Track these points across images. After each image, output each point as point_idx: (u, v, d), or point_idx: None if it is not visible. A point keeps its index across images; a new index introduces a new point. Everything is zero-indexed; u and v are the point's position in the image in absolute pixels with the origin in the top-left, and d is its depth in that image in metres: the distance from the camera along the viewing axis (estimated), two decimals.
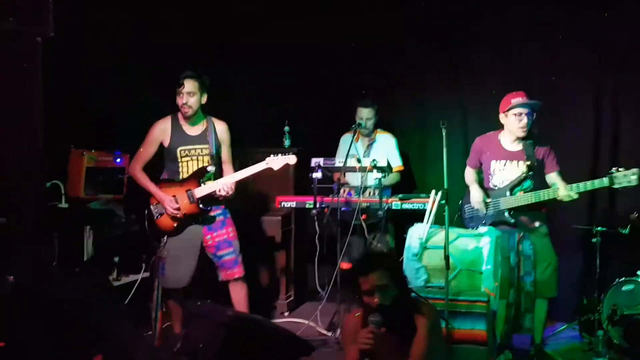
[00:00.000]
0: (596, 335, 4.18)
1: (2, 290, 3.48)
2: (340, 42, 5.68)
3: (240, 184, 4.41)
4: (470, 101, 5.50)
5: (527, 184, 4.20)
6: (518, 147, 4.23)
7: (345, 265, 4.85)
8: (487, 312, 3.64)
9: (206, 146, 4.33)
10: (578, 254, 5.01)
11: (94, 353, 3.58)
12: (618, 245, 4.63)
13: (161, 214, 4.30)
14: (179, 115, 4.36)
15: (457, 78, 5.52)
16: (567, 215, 4.84)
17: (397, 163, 5.21)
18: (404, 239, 4.26)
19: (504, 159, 4.26)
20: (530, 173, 4.15)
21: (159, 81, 5.47)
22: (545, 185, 4.20)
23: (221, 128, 4.42)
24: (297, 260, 5.57)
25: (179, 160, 4.33)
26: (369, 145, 5.21)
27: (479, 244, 3.88)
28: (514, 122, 4.15)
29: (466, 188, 4.47)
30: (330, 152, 5.31)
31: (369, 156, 5.06)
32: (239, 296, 4.37)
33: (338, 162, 4.72)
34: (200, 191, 4.25)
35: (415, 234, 4.08)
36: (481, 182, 4.40)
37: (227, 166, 4.45)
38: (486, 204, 4.27)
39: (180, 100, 4.27)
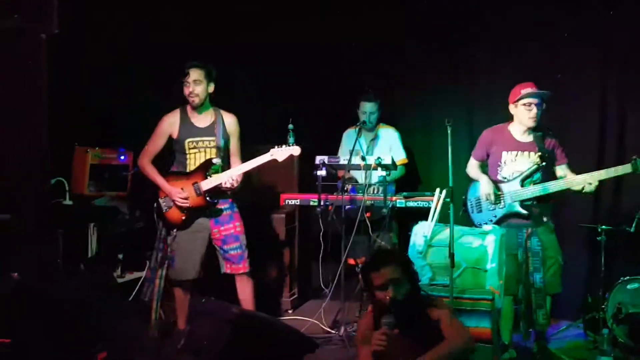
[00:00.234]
0: (601, 333, 4.17)
1: (6, 288, 3.49)
2: (342, 40, 5.67)
3: (245, 180, 4.42)
4: (475, 99, 5.50)
5: (537, 175, 4.17)
6: (529, 138, 4.21)
7: (351, 261, 4.86)
8: (492, 310, 3.63)
9: (213, 138, 4.32)
10: (583, 252, 5.01)
11: (98, 350, 3.59)
12: (623, 243, 4.63)
13: (169, 207, 4.30)
14: (188, 107, 4.36)
15: (462, 76, 5.53)
16: (572, 213, 4.84)
17: (401, 156, 5.20)
18: (408, 237, 4.25)
19: (515, 149, 4.23)
20: (543, 164, 4.13)
21: (161, 78, 5.49)
22: (553, 178, 4.18)
23: (230, 120, 4.41)
24: (301, 257, 5.57)
25: (187, 152, 4.33)
26: (372, 140, 5.20)
27: (483, 242, 3.87)
28: (523, 112, 4.14)
29: (470, 182, 4.45)
30: (335, 150, 5.32)
31: (373, 151, 5.06)
32: (245, 291, 4.37)
33: (343, 159, 4.71)
34: (207, 184, 4.24)
35: (420, 231, 4.07)
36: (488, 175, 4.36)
37: (235, 159, 4.43)
38: (497, 196, 4.25)
39: (187, 90, 4.26)
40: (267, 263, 5.43)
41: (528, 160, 4.19)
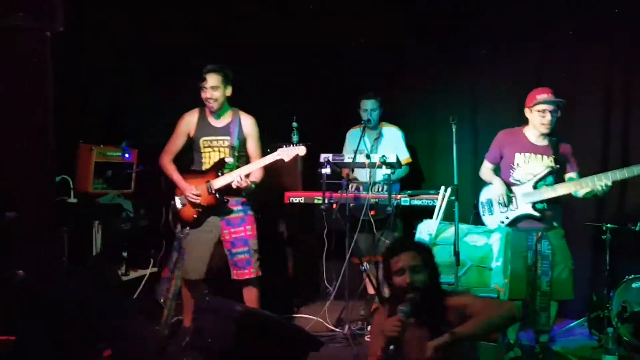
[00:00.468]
0: (606, 332, 4.15)
1: (11, 285, 3.49)
2: (344, 39, 5.65)
3: (263, 181, 4.41)
4: (478, 97, 5.49)
5: (550, 179, 4.16)
6: (543, 142, 4.20)
7: (355, 260, 4.86)
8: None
9: (227, 138, 4.32)
10: (588, 251, 4.99)
11: (103, 348, 3.59)
12: (628, 242, 4.61)
13: (184, 205, 4.31)
14: (207, 108, 4.36)
15: (464, 75, 5.52)
16: (577, 212, 4.82)
17: (405, 156, 5.18)
18: (413, 235, 4.25)
19: (529, 151, 4.21)
20: (557, 166, 4.13)
21: (164, 77, 5.50)
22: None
23: (247, 122, 4.40)
24: (305, 256, 5.57)
25: (202, 150, 4.35)
26: (376, 139, 5.19)
27: (489, 240, 3.86)
28: (537, 118, 4.13)
29: (480, 183, 4.44)
30: (339, 148, 5.31)
31: (377, 150, 5.05)
32: (248, 299, 4.37)
33: (347, 157, 4.71)
34: (218, 182, 4.25)
35: (425, 230, 4.07)
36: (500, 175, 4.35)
37: (255, 160, 4.39)
38: (509, 198, 4.23)
39: (204, 95, 4.26)
40: (271, 261, 5.42)
41: (541, 164, 4.18)
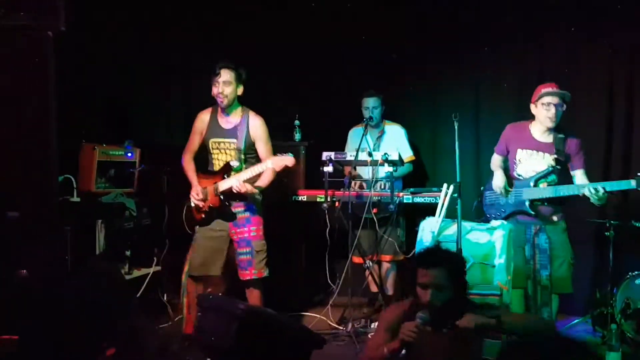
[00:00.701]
0: (609, 328, 4.14)
1: (13, 285, 3.50)
2: (346, 37, 5.64)
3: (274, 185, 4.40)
4: (482, 95, 5.47)
5: (552, 177, 4.15)
6: (548, 139, 4.18)
7: (357, 259, 4.86)
8: (500, 305, 3.62)
9: (234, 140, 4.30)
10: (591, 247, 4.99)
11: (106, 347, 3.59)
12: (631, 238, 4.60)
13: (194, 205, 4.34)
14: (219, 106, 4.34)
15: (468, 72, 5.50)
16: (580, 208, 4.80)
17: (408, 154, 5.17)
18: (416, 233, 4.25)
19: (531, 148, 4.20)
20: (557, 167, 4.12)
21: (167, 76, 5.51)
22: (569, 181, 4.16)
23: (256, 123, 4.33)
24: (308, 254, 5.56)
25: (211, 151, 4.36)
26: (379, 138, 5.18)
27: (491, 237, 3.86)
28: (542, 111, 4.11)
29: (482, 180, 4.45)
30: (341, 146, 5.30)
31: (380, 148, 5.04)
32: (250, 300, 4.36)
33: (349, 155, 4.71)
34: (222, 185, 4.25)
35: (428, 227, 4.06)
36: (507, 171, 4.34)
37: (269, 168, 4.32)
38: (507, 192, 4.23)
39: (215, 90, 4.24)
40: (273, 260, 5.41)
41: (543, 161, 4.17)
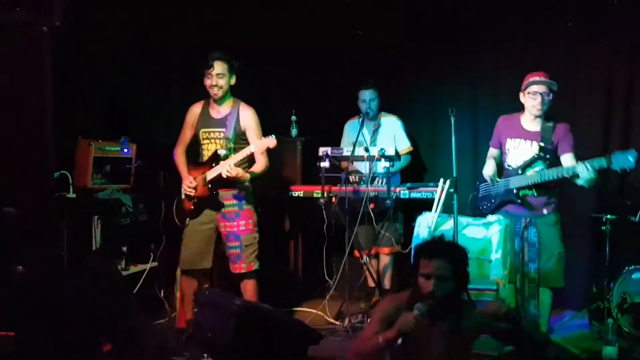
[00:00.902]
0: (606, 323, 4.16)
1: (10, 281, 3.49)
2: (344, 32, 5.63)
3: (264, 176, 4.40)
4: (481, 91, 5.47)
5: (539, 165, 4.14)
6: (536, 127, 4.19)
7: (356, 254, 4.86)
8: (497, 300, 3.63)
9: (222, 129, 4.31)
10: (588, 241, 4.99)
11: (103, 343, 3.59)
12: (628, 233, 4.60)
13: (184, 196, 4.35)
14: (211, 98, 4.35)
15: (466, 67, 5.50)
16: (576, 203, 4.82)
17: (405, 145, 5.16)
18: (412, 228, 4.25)
19: (519, 137, 4.21)
20: (541, 154, 4.11)
21: (164, 71, 5.49)
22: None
23: (247, 113, 4.35)
24: (305, 249, 5.57)
25: (202, 142, 4.37)
26: (375, 130, 5.16)
27: (488, 232, 3.87)
28: (529, 100, 4.13)
29: (479, 175, 4.45)
30: (338, 141, 5.30)
31: (376, 141, 5.03)
32: (245, 292, 4.37)
33: (346, 151, 4.70)
34: (210, 174, 4.26)
35: (424, 222, 4.07)
36: (502, 163, 4.35)
37: (257, 153, 4.33)
38: (495, 181, 4.25)
39: (208, 82, 4.24)
40: (270, 255, 5.42)
41: (530, 150, 4.18)
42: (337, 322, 4.74)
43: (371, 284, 5.14)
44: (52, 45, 4.32)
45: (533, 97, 4.11)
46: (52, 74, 4.28)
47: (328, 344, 4.09)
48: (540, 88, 4.09)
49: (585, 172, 3.85)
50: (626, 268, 4.41)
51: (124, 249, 4.79)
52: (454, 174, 3.77)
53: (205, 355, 3.85)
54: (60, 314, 3.39)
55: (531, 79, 4.13)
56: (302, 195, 5.01)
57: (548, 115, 4.18)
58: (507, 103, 5.17)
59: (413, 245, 4.01)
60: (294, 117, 5.58)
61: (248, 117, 4.35)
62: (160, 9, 5.44)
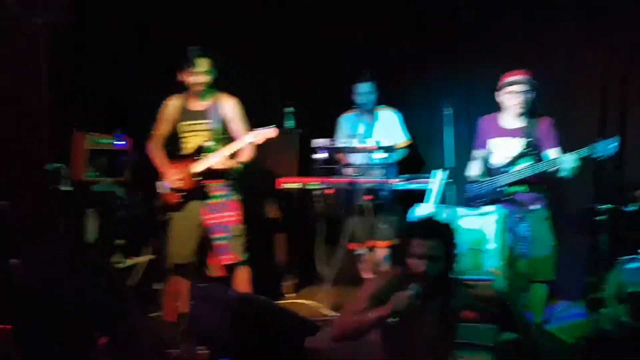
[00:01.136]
0: (602, 313, 4.16)
1: (6, 275, 3.49)
2: (342, 21, 5.61)
3: (249, 165, 4.40)
4: (478, 86, 5.44)
5: (526, 160, 4.15)
6: (517, 124, 4.21)
7: (352, 246, 4.86)
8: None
9: (206, 121, 4.31)
10: (583, 232, 4.98)
11: (98, 336, 3.58)
12: (624, 223, 4.60)
13: (167, 190, 4.32)
14: (189, 92, 4.34)
15: (462, 59, 5.48)
16: (571, 193, 4.82)
17: (403, 138, 5.14)
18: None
19: (503, 136, 4.25)
20: (527, 150, 4.12)
21: (159, 64, 5.46)
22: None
23: (228, 104, 4.37)
24: (301, 242, 5.55)
25: (182, 136, 4.35)
26: (371, 124, 5.14)
27: (484, 223, 3.87)
28: (508, 99, 4.17)
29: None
30: (334, 134, 5.28)
31: (372, 134, 5.02)
32: (238, 281, 4.37)
33: (341, 142, 4.69)
34: (197, 166, 4.25)
35: (420, 214, 4.05)
36: (487, 163, 4.36)
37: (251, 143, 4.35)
38: (482, 182, 4.26)
39: (192, 79, 4.24)
40: (266, 248, 5.42)
41: (515, 146, 4.20)
42: (334, 314, 4.74)
43: (366, 275, 5.13)
44: (48, 41, 4.33)
45: (510, 96, 4.14)
46: (50, 70, 4.28)
47: (324, 335, 4.08)
48: (519, 87, 4.12)
49: (569, 163, 3.88)
50: (622, 258, 4.40)
51: (120, 242, 4.79)
52: (452, 164, 3.77)
53: (201, 347, 3.86)
54: (58, 310, 3.39)
55: (510, 79, 4.16)
56: (297, 187, 4.99)
57: (531, 111, 4.20)
58: None
59: None
60: (290, 109, 5.57)
61: (231, 107, 4.36)
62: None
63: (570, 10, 5.10)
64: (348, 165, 4.97)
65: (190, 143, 4.34)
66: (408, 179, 4.71)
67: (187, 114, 4.34)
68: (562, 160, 3.92)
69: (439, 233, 2.83)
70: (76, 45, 4.78)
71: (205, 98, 4.34)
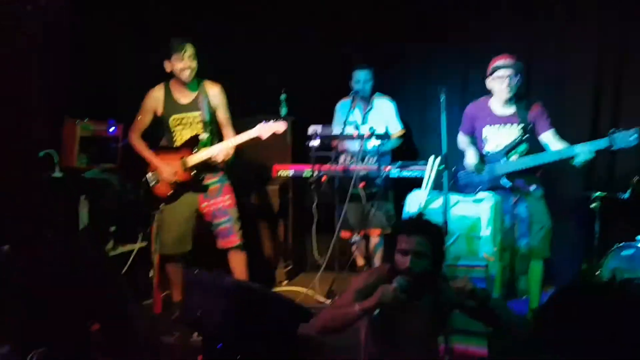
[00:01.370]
0: None
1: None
2: (337, 7, 5.58)
3: (237, 153, 4.37)
4: (472, 72, 5.43)
5: (522, 147, 4.15)
6: (510, 110, 4.20)
7: (345, 234, 4.85)
8: (487, 277, 3.63)
9: (198, 113, 4.27)
10: (578, 219, 4.99)
11: (91, 323, 3.57)
12: (618, 209, 4.61)
13: (157, 182, 4.28)
14: (172, 82, 4.30)
15: (458, 47, 5.46)
16: (565, 180, 4.82)
17: (397, 128, 5.11)
18: (403, 207, 4.23)
19: (496, 123, 4.22)
20: (525, 136, 4.11)
21: (150, 49, 5.42)
22: (540, 148, 4.15)
23: (214, 91, 4.34)
24: (295, 229, 5.55)
25: (172, 129, 4.30)
26: (367, 111, 5.11)
27: (478, 209, 3.86)
28: (497, 84, 4.14)
29: (459, 157, 4.43)
30: (328, 121, 5.25)
31: (367, 122, 4.99)
32: (237, 265, 4.37)
33: (336, 129, 4.67)
34: (193, 159, 4.22)
35: (415, 200, 4.05)
36: (478, 150, 4.34)
37: (226, 129, 4.37)
38: (480, 169, 4.23)
39: (182, 65, 4.17)
40: (260, 235, 5.41)
41: (510, 133, 4.17)
42: (327, 301, 4.73)
43: (360, 263, 5.13)
44: (39, 25, 4.29)
45: (500, 80, 4.11)
46: (41, 57, 4.24)
47: None
48: (507, 71, 4.09)
49: (585, 155, 3.86)
50: (616, 245, 4.41)
51: (112, 229, 4.76)
52: (444, 151, 3.75)
53: (195, 334, 3.85)
54: (50, 296, 3.37)
55: (496, 63, 4.13)
56: (291, 174, 4.97)
57: (519, 95, 4.19)
58: None
59: None
60: (283, 96, 5.54)
61: (217, 95, 4.34)
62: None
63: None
64: (342, 152, 4.95)
65: (181, 135, 4.29)
66: (402, 167, 4.70)
67: (175, 107, 4.28)
68: (577, 151, 3.89)
69: (426, 230, 2.82)
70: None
71: (192, 87, 4.29)
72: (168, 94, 4.30)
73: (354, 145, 4.90)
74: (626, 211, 4.58)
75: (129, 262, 4.62)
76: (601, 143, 3.87)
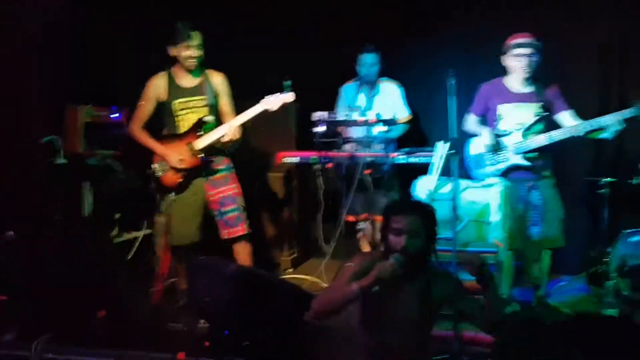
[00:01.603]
0: (605, 286, 4.14)
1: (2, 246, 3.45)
2: None
3: (243, 138, 4.33)
4: (478, 50, 5.37)
5: (540, 126, 4.10)
6: (527, 89, 4.15)
7: (350, 218, 4.81)
8: (496, 263, 3.60)
9: (203, 97, 4.23)
10: (585, 205, 4.96)
11: (97, 309, 3.56)
12: (626, 196, 4.56)
13: (164, 171, 4.23)
14: (175, 69, 4.25)
15: (466, 26, 5.40)
16: (574, 166, 4.79)
17: (404, 113, 5.04)
18: (409, 195, 4.19)
19: (513, 101, 4.16)
20: (545, 114, 4.07)
21: (153, 35, 5.38)
22: (555, 127, 4.11)
23: (218, 79, 4.31)
24: (301, 216, 5.52)
25: (176, 114, 4.24)
26: (373, 96, 5.05)
27: (487, 194, 3.83)
28: (514, 63, 4.10)
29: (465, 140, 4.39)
30: (333, 106, 5.20)
31: (373, 107, 4.93)
32: (241, 257, 4.32)
33: (341, 115, 4.61)
34: (201, 142, 4.18)
35: (423, 186, 4.01)
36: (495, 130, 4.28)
37: (229, 118, 4.33)
38: (497, 148, 4.17)
39: (189, 53, 4.13)
40: (266, 223, 5.38)
41: (528, 112, 4.12)
42: None
43: (366, 249, 5.10)
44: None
45: (518, 59, 4.06)
46: (44, 43, 4.20)
47: None
48: (527, 50, 4.04)
49: (615, 125, 3.85)
50: (625, 231, 4.37)
51: (117, 216, 4.74)
52: (455, 135, 3.70)
53: (202, 321, 3.82)
54: (56, 283, 3.36)
55: (515, 41, 4.08)
56: (297, 161, 4.92)
57: (535, 76, 4.14)
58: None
59: None
60: (288, 82, 5.47)
61: (220, 83, 4.31)
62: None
63: None
64: (348, 138, 4.90)
65: (186, 120, 4.24)
66: (409, 153, 4.65)
67: (179, 91, 4.23)
68: (606, 121, 3.86)
69: (417, 210, 2.84)
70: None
71: (195, 74, 4.24)
72: (171, 80, 4.25)
73: (359, 131, 4.85)
74: (635, 197, 4.53)
75: (133, 250, 4.59)
76: (632, 111, 3.84)
